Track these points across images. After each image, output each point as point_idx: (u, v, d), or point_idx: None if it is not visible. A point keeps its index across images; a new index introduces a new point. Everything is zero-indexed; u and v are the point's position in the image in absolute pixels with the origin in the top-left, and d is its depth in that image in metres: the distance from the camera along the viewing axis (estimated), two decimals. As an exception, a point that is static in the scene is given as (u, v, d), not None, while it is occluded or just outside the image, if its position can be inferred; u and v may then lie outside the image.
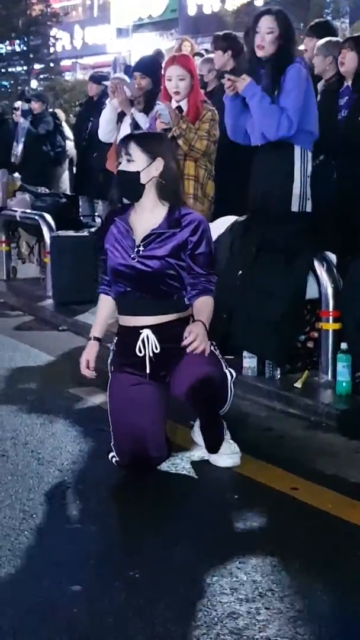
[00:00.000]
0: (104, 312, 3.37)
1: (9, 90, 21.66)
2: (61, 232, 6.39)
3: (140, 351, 3.15)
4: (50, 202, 7.23)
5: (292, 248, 4.10)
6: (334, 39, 5.46)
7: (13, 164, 9.32)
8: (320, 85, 5.22)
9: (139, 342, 3.15)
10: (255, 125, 4.23)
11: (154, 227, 3.17)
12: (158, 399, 3.17)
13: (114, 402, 3.20)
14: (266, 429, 3.71)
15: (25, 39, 23.58)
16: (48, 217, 6.62)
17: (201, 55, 8.39)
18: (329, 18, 15.99)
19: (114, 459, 3.20)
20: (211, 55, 6.75)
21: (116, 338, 3.30)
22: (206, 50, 10.36)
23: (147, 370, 3.15)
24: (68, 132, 9.65)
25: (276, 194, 4.21)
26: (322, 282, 4.04)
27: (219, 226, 4.42)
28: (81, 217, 7.53)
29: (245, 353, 4.22)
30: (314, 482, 3.09)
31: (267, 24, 4.09)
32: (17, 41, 23.77)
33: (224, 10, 18.80)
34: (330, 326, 4.02)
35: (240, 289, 4.16)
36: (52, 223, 6.55)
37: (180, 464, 3.27)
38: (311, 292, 4.09)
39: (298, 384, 4.00)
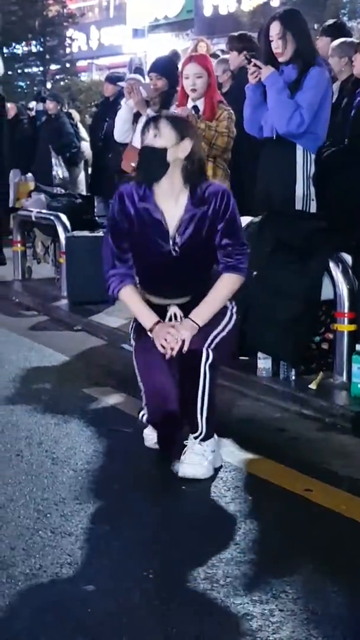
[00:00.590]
0: (140, 299, 3.25)
1: (25, 90, 21.76)
2: (76, 233, 6.41)
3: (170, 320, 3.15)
4: (66, 203, 7.25)
5: (307, 248, 4.09)
6: (348, 39, 5.45)
7: (25, 165, 9.35)
8: (335, 86, 5.21)
9: (167, 317, 3.16)
10: (269, 117, 4.25)
11: (182, 213, 3.11)
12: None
13: (141, 366, 3.21)
14: (280, 430, 3.70)
15: (42, 40, 23.68)
16: (63, 217, 6.65)
17: (217, 56, 8.39)
18: (345, 19, 15.97)
19: (144, 417, 3.27)
20: (226, 56, 6.76)
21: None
22: (222, 50, 10.36)
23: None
24: (83, 132, 9.68)
25: (279, 195, 4.24)
26: (337, 283, 4.02)
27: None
28: (96, 218, 7.55)
29: (259, 354, 4.22)
30: (328, 484, 3.07)
31: (276, 30, 4.13)
32: (34, 42, 23.88)
33: (240, 10, 18.79)
34: (346, 327, 4.01)
35: (255, 290, 4.15)
36: (68, 223, 6.57)
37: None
38: (326, 293, 4.08)
39: (313, 385, 3.99)
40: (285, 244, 4.16)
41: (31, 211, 7.21)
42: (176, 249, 3.13)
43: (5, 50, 24.02)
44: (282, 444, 3.54)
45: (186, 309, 3.17)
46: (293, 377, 4.13)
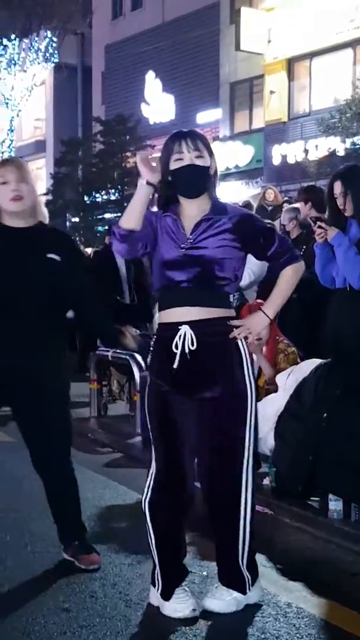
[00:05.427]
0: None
1: (104, 235, 22.92)
2: (151, 372, 6.62)
3: (176, 347, 3.08)
4: (141, 343, 7.52)
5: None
6: None
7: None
8: None
9: (176, 338, 3.08)
10: (340, 271, 4.44)
11: (202, 216, 3.18)
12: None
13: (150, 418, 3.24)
14: (354, 575, 3.65)
15: (120, 189, 25.08)
16: (138, 357, 6.89)
17: (289, 203, 8.86)
18: None
19: (146, 501, 3.28)
20: (295, 205, 7.17)
21: (153, 341, 3.24)
22: (291, 197, 10.89)
23: (174, 365, 3.08)
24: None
25: (350, 339, 4.34)
26: None
27: (304, 369, 4.55)
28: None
29: (330, 496, 4.22)
30: None
31: (338, 188, 4.39)
32: (112, 190, 25.29)
33: (307, 160, 19.58)
34: None
35: (326, 431, 4.22)
36: (142, 363, 6.80)
37: (265, 609, 3.25)
38: None
39: (385, 529, 3.95)
40: (354, 386, 4.25)
41: (108, 351, 7.49)
42: (189, 244, 3.14)
43: (86, 198, 25.56)
44: (355, 588, 3.48)
45: (198, 330, 3.08)
46: (365, 520, 4.10)
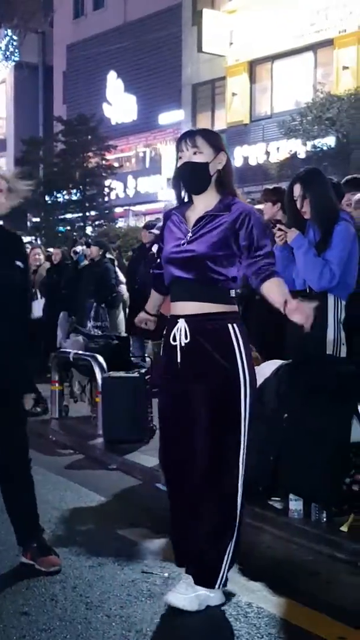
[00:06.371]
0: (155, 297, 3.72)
1: (66, 236, 22.80)
2: (112, 373, 6.61)
3: (174, 339, 3.22)
4: (103, 344, 7.52)
5: (337, 392, 4.21)
6: (371, 193, 5.76)
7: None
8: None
9: (174, 330, 3.23)
10: (300, 273, 4.47)
11: (205, 212, 3.25)
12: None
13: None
14: (313, 574, 3.68)
15: (82, 189, 24.97)
16: (100, 358, 6.87)
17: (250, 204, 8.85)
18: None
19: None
20: (260, 206, 7.18)
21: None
22: (253, 199, 10.93)
23: (178, 359, 3.21)
24: (121, 276, 10.13)
25: (311, 339, 4.37)
26: (366, 426, 4.10)
27: (265, 370, 4.57)
28: (132, 358, 7.78)
29: (291, 495, 4.25)
30: (362, 632, 3.05)
31: (297, 191, 4.42)
32: (74, 191, 25.18)
33: (269, 162, 19.69)
34: (376, 469, 4.05)
35: (287, 432, 4.24)
36: (104, 364, 6.79)
37: (226, 609, 3.26)
38: (356, 435, 4.15)
39: (344, 528, 3.99)
40: (316, 387, 4.28)
41: (69, 352, 7.46)
42: (187, 240, 3.23)
43: (47, 198, 25.39)
44: (315, 588, 3.51)
45: (191, 324, 3.19)
46: (324, 519, 4.14)
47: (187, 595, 3.22)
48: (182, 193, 3.36)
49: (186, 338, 3.20)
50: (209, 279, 3.20)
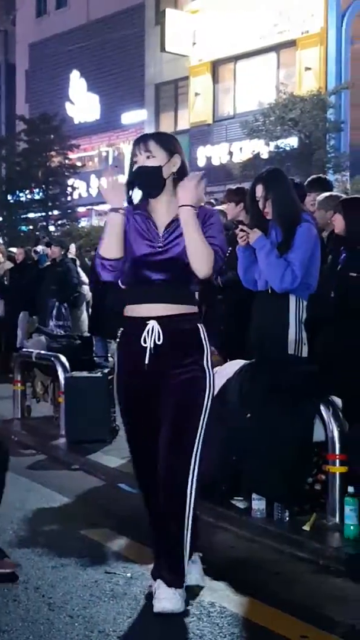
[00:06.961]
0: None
1: (28, 235, 22.62)
2: (75, 373, 6.58)
3: (144, 341, 3.23)
4: (65, 344, 7.49)
5: (299, 392, 4.24)
6: (334, 193, 5.82)
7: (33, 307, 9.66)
8: (323, 235, 5.50)
9: (144, 333, 3.23)
10: (262, 274, 4.49)
11: (172, 217, 3.29)
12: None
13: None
14: (275, 573, 3.71)
15: (44, 188, 24.81)
16: (63, 358, 6.84)
17: (212, 204, 8.89)
18: (330, 172, 16.83)
19: None
20: (223, 207, 7.19)
21: (120, 335, 3.39)
22: (216, 199, 10.97)
23: (146, 361, 3.23)
24: (84, 276, 10.09)
25: (272, 339, 4.40)
26: (328, 426, 4.13)
27: (228, 370, 4.59)
28: (95, 358, 7.76)
29: (254, 495, 4.28)
30: (323, 630, 3.07)
31: (259, 191, 4.43)
32: (37, 190, 25.01)
33: (232, 163, 19.76)
34: (337, 469, 4.09)
35: (249, 432, 4.27)
36: (67, 364, 6.75)
37: (189, 609, 3.27)
38: (318, 434, 4.20)
39: (306, 527, 4.03)
40: (278, 387, 4.31)
41: (32, 352, 7.41)
42: (161, 244, 3.26)
43: (9, 197, 25.16)
44: (278, 587, 3.54)
45: (164, 326, 3.23)
46: (287, 519, 4.17)
47: (175, 597, 3.20)
48: (133, 197, 3.31)
49: (159, 340, 3.23)
50: (182, 281, 3.27)
